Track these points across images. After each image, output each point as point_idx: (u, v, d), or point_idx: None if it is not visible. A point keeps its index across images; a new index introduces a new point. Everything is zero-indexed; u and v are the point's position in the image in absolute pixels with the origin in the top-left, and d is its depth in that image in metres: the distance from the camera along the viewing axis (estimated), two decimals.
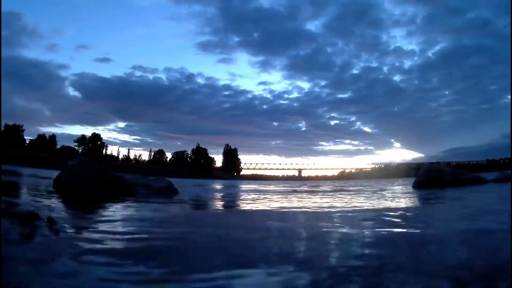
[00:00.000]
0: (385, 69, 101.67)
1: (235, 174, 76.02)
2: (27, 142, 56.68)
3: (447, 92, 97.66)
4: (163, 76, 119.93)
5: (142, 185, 6.00)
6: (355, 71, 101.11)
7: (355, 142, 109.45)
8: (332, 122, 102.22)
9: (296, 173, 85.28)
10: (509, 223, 2.34)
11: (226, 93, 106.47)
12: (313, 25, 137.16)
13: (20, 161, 31.78)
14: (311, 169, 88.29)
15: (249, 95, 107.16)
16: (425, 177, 8.83)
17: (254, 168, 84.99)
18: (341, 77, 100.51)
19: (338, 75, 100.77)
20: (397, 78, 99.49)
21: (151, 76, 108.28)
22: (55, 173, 5.86)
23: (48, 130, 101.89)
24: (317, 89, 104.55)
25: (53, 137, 60.67)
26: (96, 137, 63.53)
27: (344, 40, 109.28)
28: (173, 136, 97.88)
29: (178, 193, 6.34)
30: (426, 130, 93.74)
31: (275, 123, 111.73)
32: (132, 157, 70.64)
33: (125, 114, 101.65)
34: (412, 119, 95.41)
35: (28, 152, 46.91)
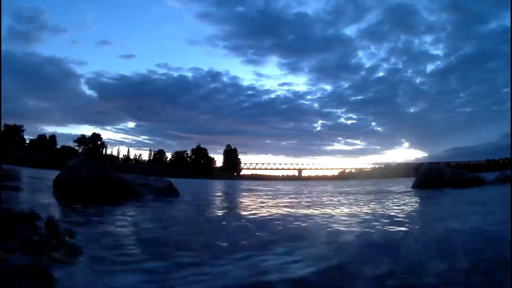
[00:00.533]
0: (409, 71, 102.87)
1: (235, 174, 75.99)
2: (27, 142, 56.66)
3: (461, 94, 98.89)
4: (189, 74, 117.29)
5: (142, 185, 5.99)
6: (380, 74, 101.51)
7: (364, 142, 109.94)
8: (349, 122, 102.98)
9: (296, 173, 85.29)
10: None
11: (249, 92, 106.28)
12: (350, 30, 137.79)
13: (20, 161, 31.78)
14: (311, 169, 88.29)
15: (272, 95, 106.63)
16: (425, 177, 8.83)
17: (254, 168, 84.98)
18: (366, 79, 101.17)
19: (363, 77, 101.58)
20: (418, 80, 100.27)
21: (175, 74, 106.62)
22: (55, 173, 5.86)
23: (55, 130, 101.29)
24: (339, 90, 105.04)
25: (53, 137, 60.67)
26: (96, 137, 63.49)
27: (377, 44, 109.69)
28: (184, 136, 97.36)
29: (178, 194, 6.33)
30: (437, 130, 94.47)
31: (291, 123, 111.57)
32: (132, 157, 70.63)
33: (139, 113, 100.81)
34: (426, 119, 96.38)
35: (28, 152, 46.88)
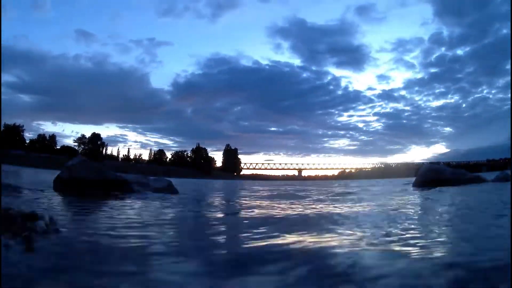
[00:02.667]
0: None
1: (235, 174, 76.08)
2: (27, 142, 56.71)
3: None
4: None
5: (142, 185, 6.00)
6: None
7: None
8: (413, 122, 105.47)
9: (296, 173, 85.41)
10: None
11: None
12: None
13: (20, 161, 31.80)
14: (311, 169, 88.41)
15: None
16: (425, 177, 8.83)
17: (254, 168, 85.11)
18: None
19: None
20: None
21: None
22: (55, 173, 5.86)
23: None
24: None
25: (53, 137, 60.74)
26: (96, 137, 63.54)
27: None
28: None
29: (178, 192, 6.34)
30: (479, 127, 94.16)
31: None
32: (132, 156, 70.66)
33: None
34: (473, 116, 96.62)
35: (28, 152, 46.91)
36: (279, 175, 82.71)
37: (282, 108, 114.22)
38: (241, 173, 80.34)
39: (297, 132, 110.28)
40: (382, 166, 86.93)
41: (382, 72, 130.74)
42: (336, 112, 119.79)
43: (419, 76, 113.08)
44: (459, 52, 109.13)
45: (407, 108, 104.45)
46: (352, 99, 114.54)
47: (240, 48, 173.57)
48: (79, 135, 63.54)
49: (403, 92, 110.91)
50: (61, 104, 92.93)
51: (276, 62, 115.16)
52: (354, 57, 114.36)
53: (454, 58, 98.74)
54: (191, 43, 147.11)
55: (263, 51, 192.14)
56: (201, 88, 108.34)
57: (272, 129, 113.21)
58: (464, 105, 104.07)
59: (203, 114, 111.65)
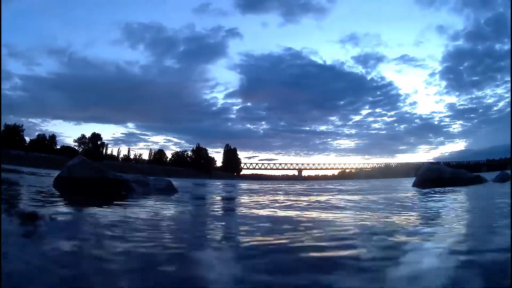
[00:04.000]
0: None
1: (235, 174, 76.09)
2: (27, 142, 56.71)
3: None
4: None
5: (142, 185, 6.00)
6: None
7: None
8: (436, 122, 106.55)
9: (296, 172, 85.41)
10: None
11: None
12: None
13: (20, 161, 31.82)
14: (311, 169, 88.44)
15: None
16: (425, 177, 8.84)
17: (254, 168, 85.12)
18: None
19: None
20: None
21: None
22: (55, 173, 5.87)
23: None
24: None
25: (53, 137, 60.74)
26: (96, 137, 63.54)
27: None
28: None
29: (178, 192, 6.34)
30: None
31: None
32: (132, 157, 70.65)
33: None
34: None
35: (28, 152, 46.91)
36: (279, 175, 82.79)
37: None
38: (241, 173, 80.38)
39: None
40: (382, 166, 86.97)
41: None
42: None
43: None
44: None
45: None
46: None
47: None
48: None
49: None
50: None
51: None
52: None
53: None
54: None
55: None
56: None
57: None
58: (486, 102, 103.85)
59: None
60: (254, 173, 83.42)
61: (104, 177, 5.36)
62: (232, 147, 79.15)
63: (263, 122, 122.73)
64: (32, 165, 28.90)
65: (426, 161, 78.10)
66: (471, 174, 9.29)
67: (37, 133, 61.92)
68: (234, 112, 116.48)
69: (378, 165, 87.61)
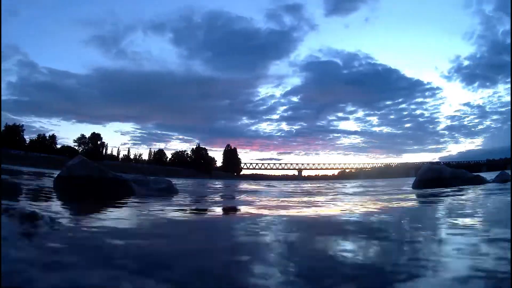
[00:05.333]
0: None
1: (235, 174, 76.10)
2: (27, 142, 56.69)
3: None
4: None
5: (142, 185, 6.00)
6: None
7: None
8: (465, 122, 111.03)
9: (296, 172, 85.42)
10: None
11: None
12: None
13: (20, 161, 31.82)
14: (311, 169, 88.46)
15: None
16: (425, 177, 8.83)
17: (254, 168, 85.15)
18: None
19: None
20: None
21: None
22: (55, 173, 5.87)
23: None
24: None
25: (53, 136, 60.72)
26: (95, 137, 63.53)
27: None
28: None
29: (178, 192, 6.34)
30: None
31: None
32: (132, 156, 70.62)
33: None
34: None
35: (28, 152, 46.91)
36: (279, 175, 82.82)
37: None
38: (241, 173, 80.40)
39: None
40: (382, 166, 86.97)
41: None
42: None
43: None
44: None
45: None
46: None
47: None
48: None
49: None
50: None
51: None
52: None
53: None
54: None
55: None
56: None
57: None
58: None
59: None
60: (254, 173, 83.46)
61: (104, 177, 5.36)
62: (232, 147, 79.14)
63: (302, 123, 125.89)
64: (32, 165, 28.89)
65: (426, 161, 78.16)
66: (471, 174, 9.27)
67: (37, 133, 61.89)
68: (281, 111, 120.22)
69: (378, 165, 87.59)
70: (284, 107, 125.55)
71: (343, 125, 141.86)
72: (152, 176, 7.44)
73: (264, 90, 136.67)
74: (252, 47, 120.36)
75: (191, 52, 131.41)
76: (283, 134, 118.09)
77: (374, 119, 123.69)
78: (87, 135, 63.04)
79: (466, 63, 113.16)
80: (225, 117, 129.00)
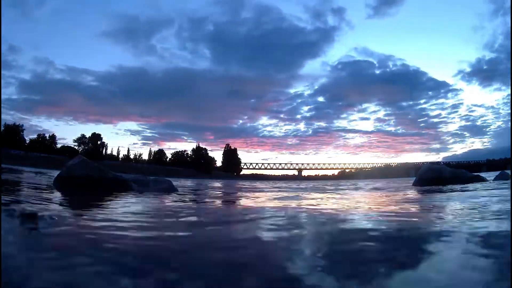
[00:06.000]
0: None
1: (235, 174, 76.14)
2: (27, 142, 56.71)
3: None
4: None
5: (142, 184, 6.01)
6: None
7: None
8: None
9: (296, 172, 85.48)
10: None
11: None
12: None
13: (20, 161, 31.84)
14: (311, 169, 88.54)
15: None
16: (425, 176, 8.85)
17: (254, 168, 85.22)
18: None
19: None
20: None
21: None
22: (55, 173, 5.87)
23: None
24: None
25: (52, 136, 60.73)
26: (95, 137, 63.54)
27: None
28: None
29: (177, 190, 6.34)
30: None
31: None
32: (131, 156, 70.64)
33: None
34: None
35: (28, 152, 46.94)
36: (279, 175, 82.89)
37: None
38: (241, 173, 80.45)
39: None
40: (382, 165, 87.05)
41: None
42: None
43: None
44: None
45: None
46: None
47: None
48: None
49: None
50: None
51: None
52: None
53: None
54: None
55: None
56: None
57: None
58: None
59: None
60: (254, 173, 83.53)
61: (104, 177, 5.36)
62: (232, 147, 79.18)
63: (322, 123, 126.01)
64: (32, 165, 28.91)
65: (426, 161, 78.22)
66: (471, 174, 9.30)
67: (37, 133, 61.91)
68: (304, 111, 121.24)
69: (378, 165, 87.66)
70: (308, 107, 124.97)
71: (360, 125, 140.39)
72: (152, 176, 7.45)
73: (293, 90, 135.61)
74: (292, 45, 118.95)
75: (226, 48, 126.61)
76: (298, 134, 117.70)
77: (392, 119, 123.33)
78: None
79: (485, 67, 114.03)
80: (245, 116, 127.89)
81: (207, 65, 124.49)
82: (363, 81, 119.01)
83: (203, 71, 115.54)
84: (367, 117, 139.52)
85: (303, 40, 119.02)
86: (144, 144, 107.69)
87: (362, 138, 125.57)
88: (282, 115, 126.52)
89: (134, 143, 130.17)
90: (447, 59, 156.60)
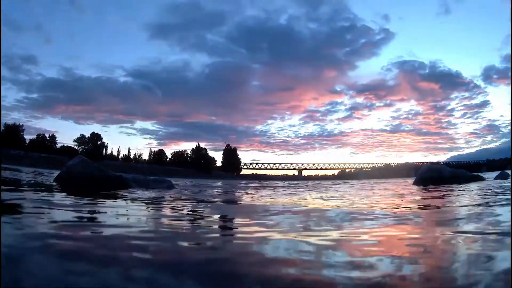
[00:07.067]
0: None
1: (234, 174, 76.11)
2: (27, 142, 56.66)
3: None
4: None
5: (141, 184, 6.01)
6: None
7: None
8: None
9: (296, 172, 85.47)
10: None
11: None
12: None
13: (20, 161, 31.84)
14: (311, 169, 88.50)
15: None
16: (425, 176, 8.85)
17: (254, 168, 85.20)
18: None
19: None
20: None
21: None
22: (55, 173, 5.87)
23: None
24: None
25: (52, 136, 60.68)
26: (96, 136, 63.50)
27: None
28: None
29: (175, 188, 6.34)
30: None
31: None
32: (131, 156, 70.60)
33: None
34: None
35: (28, 152, 46.93)
36: (279, 175, 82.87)
37: None
38: (241, 173, 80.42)
39: None
40: (382, 165, 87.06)
41: None
42: None
43: None
44: None
45: None
46: None
47: None
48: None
49: None
50: None
51: None
52: None
53: None
54: None
55: None
56: None
57: None
58: None
59: None
60: (254, 173, 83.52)
61: (104, 177, 5.36)
62: (232, 147, 79.17)
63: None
64: (32, 165, 28.92)
65: (426, 161, 78.27)
66: (471, 174, 9.31)
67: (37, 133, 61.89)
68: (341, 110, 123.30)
69: (378, 165, 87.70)
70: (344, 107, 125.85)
71: (377, 124, 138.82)
72: (152, 176, 7.46)
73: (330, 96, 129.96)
74: (348, 43, 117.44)
75: (270, 44, 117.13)
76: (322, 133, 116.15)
77: (409, 117, 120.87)
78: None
79: None
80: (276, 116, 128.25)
81: (242, 62, 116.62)
82: (403, 81, 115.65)
83: (234, 68, 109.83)
84: (382, 117, 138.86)
85: (360, 41, 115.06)
86: (159, 144, 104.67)
87: (370, 138, 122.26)
88: (318, 115, 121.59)
89: (148, 143, 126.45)
90: (473, 58, 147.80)
